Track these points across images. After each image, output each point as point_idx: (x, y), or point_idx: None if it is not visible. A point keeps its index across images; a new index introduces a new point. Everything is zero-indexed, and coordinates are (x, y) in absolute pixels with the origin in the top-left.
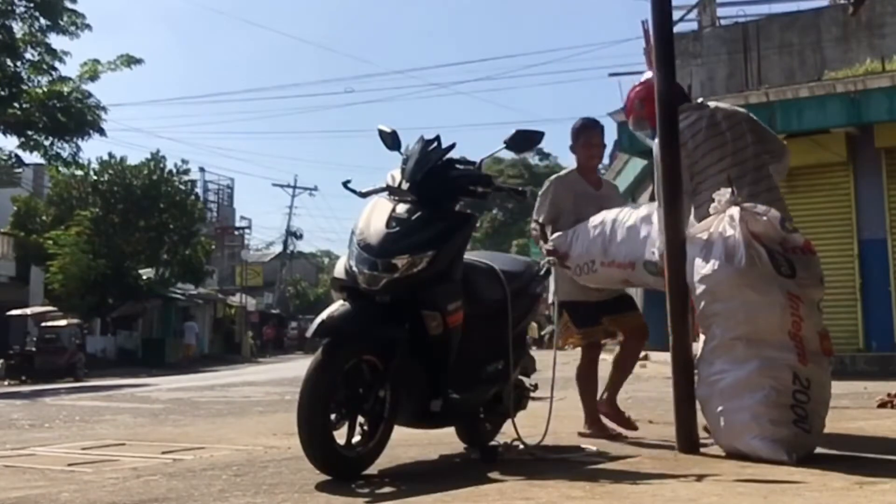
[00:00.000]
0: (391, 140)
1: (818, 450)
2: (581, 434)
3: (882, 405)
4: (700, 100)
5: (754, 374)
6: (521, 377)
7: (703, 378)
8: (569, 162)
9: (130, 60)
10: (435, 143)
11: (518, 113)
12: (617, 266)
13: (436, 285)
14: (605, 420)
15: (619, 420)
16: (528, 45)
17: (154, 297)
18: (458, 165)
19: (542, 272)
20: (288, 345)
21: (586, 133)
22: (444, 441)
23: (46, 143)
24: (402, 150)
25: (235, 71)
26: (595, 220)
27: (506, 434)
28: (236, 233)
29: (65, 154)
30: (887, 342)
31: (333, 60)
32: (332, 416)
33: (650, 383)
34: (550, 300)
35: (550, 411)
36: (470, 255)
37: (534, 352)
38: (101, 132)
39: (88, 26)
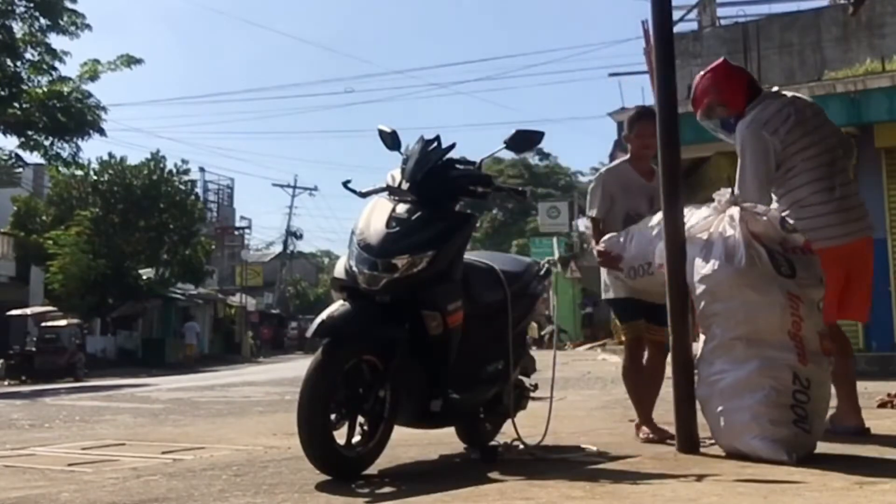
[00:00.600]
0: (391, 140)
1: (818, 450)
2: (636, 426)
3: (882, 405)
4: (775, 88)
5: (754, 374)
6: (521, 377)
7: (703, 378)
8: (569, 162)
9: (130, 60)
10: (435, 143)
11: (518, 113)
12: None
13: (436, 285)
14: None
15: (661, 434)
16: (528, 45)
17: (154, 297)
18: (458, 165)
19: (543, 272)
20: (288, 345)
21: (642, 122)
22: (444, 441)
23: (46, 143)
24: (402, 150)
25: (235, 71)
26: (654, 219)
27: (506, 434)
28: (236, 233)
29: (65, 154)
30: (887, 342)
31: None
32: (332, 416)
33: None
34: (604, 296)
35: (550, 411)
36: (470, 255)
37: (534, 352)
38: (101, 132)
39: (88, 26)
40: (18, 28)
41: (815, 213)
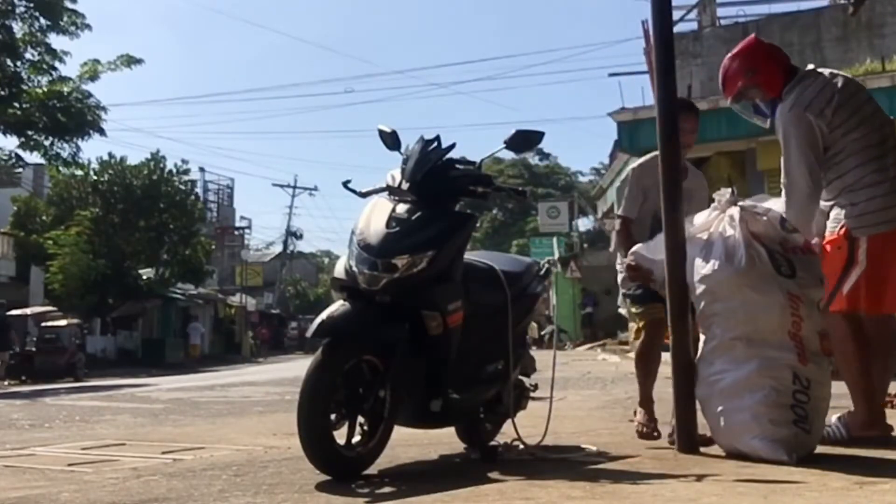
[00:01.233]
0: (391, 140)
1: (818, 450)
2: (630, 420)
3: (882, 405)
4: (810, 66)
5: (754, 374)
6: (521, 377)
7: (703, 378)
8: (569, 162)
9: (130, 60)
10: (435, 143)
11: (518, 113)
12: None
13: (436, 285)
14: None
15: (651, 427)
16: (528, 45)
17: (154, 297)
18: (458, 165)
19: (543, 272)
20: (288, 345)
21: (681, 116)
22: (444, 441)
23: (46, 143)
24: (402, 150)
25: (235, 71)
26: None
27: (506, 434)
28: (236, 233)
29: (65, 154)
30: None
31: (333, 60)
32: (332, 416)
33: None
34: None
35: (550, 411)
36: (470, 255)
37: (534, 352)
38: (101, 132)
39: (88, 26)
40: (18, 28)
41: (869, 196)
